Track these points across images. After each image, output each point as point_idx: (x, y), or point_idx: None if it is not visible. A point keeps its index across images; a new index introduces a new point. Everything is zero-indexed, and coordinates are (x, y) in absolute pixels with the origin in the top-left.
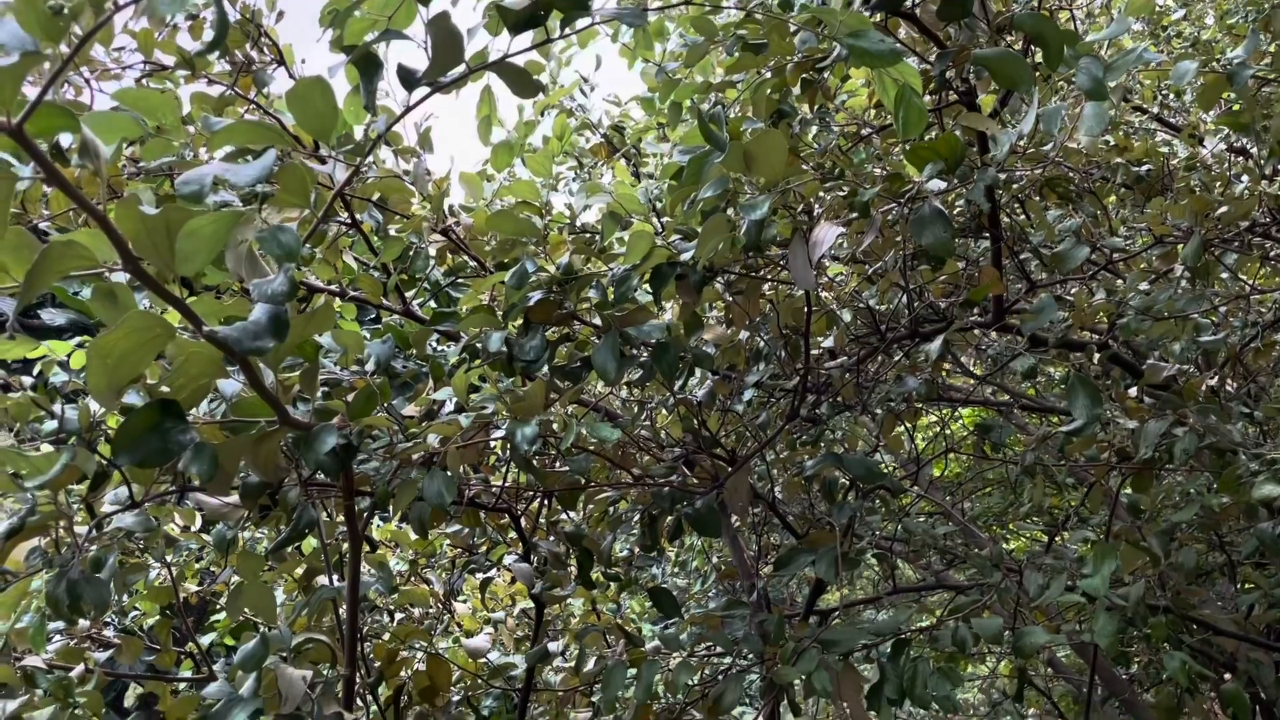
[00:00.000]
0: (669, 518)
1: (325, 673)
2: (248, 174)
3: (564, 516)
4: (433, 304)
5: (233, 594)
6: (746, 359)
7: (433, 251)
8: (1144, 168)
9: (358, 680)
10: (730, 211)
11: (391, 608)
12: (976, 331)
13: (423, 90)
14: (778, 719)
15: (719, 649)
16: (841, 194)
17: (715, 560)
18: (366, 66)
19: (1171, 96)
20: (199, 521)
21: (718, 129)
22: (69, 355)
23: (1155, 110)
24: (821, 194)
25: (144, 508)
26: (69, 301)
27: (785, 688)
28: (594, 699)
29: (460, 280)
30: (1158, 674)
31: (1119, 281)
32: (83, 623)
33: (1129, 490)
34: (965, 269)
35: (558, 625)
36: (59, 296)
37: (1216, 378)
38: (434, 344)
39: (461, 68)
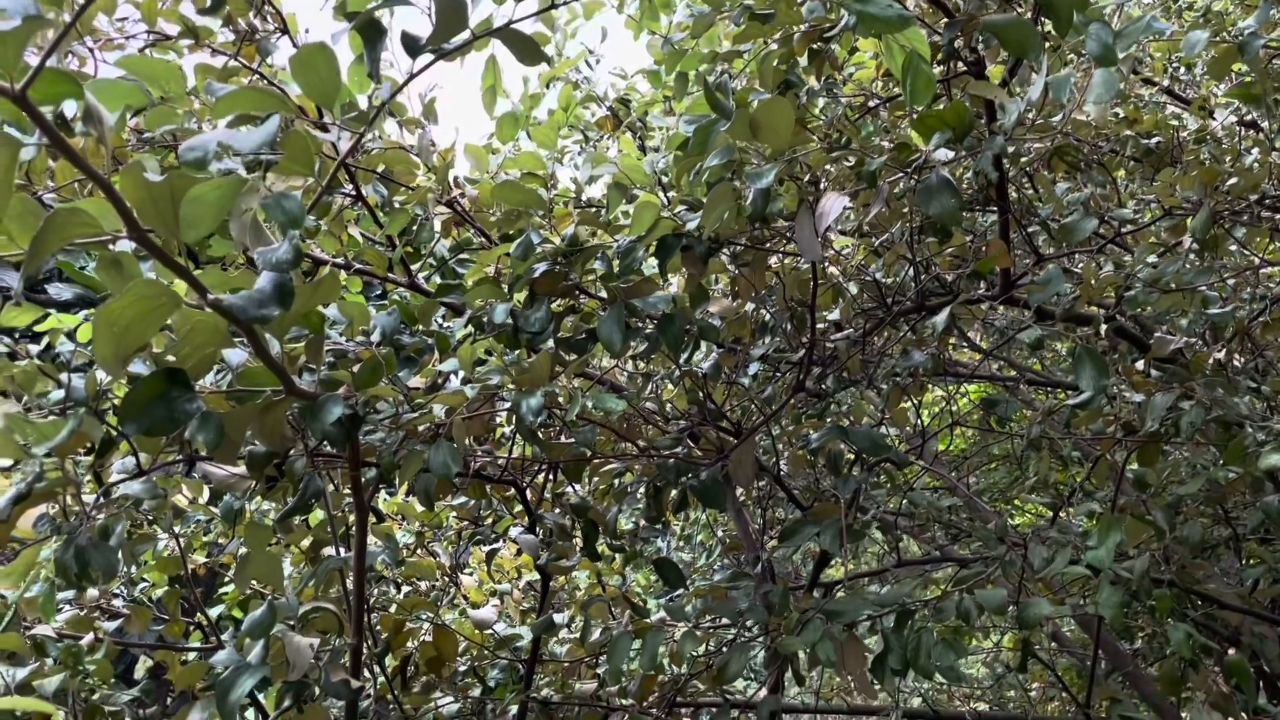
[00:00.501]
0: (674, 490)
1: (333, 642)
2: (252, 140)
3: (569, 489)
4: (438, 278)
5: (240, 563)
6: (752, 332)
7: (438, 225)
8: (1153, 140)
9: (365, 650)
10: (736, 182)
11: (398, 579)
12: (983, 305)
13: (427, 57)
14: (781, 689)
15: (724, 620)
16: (848, 164)
17: (720, 534)
18: (370, 33)
19: (1182, 70)
20: (206, 494)
21: (724, 97)
22: (76, 327)
23: (1165, 83)
24: (828, 166)
25: (151, 476)
26: (75, 276)
27: (789, 658)
28: (599, 670)
29: (465, 256)
30: (1161, 648)
31: (1127, 257)
32: (91, 593)
33: (1135, 464)
34: (972, 242)
35: (563, 597)
36: (66, 271)
37: (1224, 351)
38: (440, 319)
39: (466, 34)
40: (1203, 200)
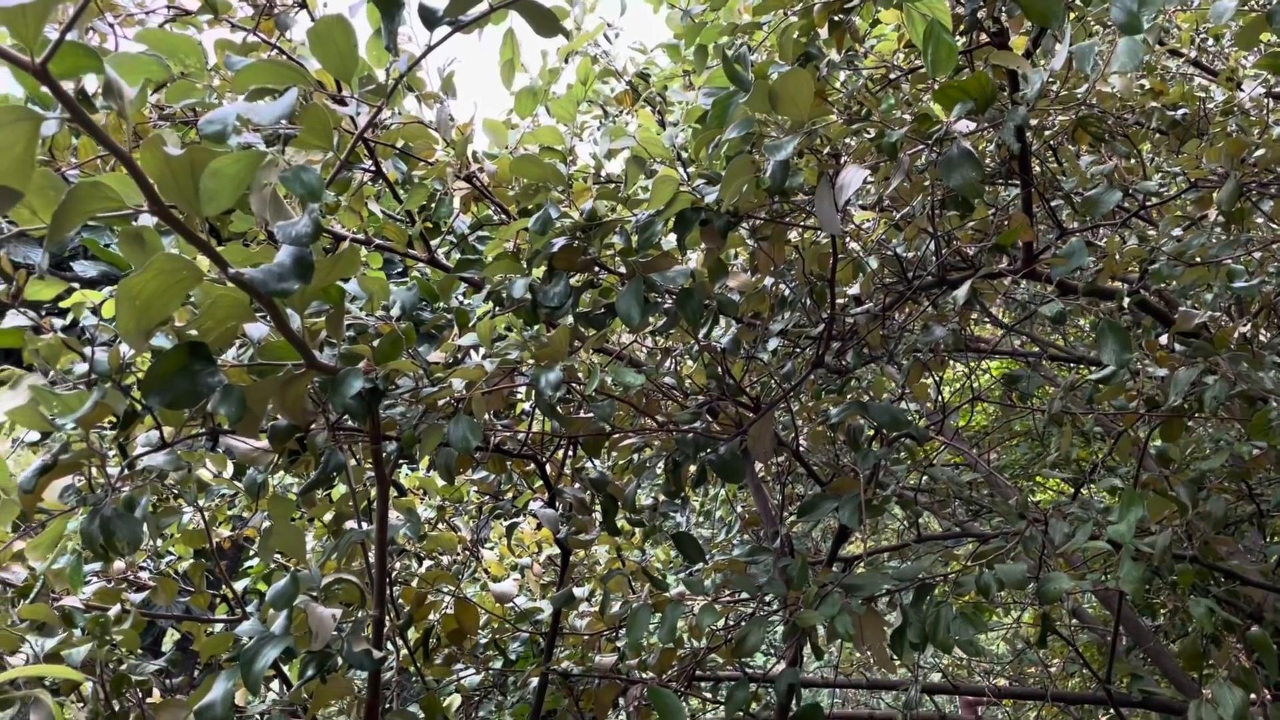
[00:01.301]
0: (693, 465)
1: (356, 614)
2: (271, 112)
3: (589, 464)
4: (456, 254)
5: (264, 535)
6: (771, 306)
7: (456, 202)
8: (1180, 112)
9: (387, 622)
10: (755, 155)
11: (420, 553)
12: (1005, 279)
13: (444, 30)
14: (800, 663)
15: (743, 595)
16: (868, 136)
17: (739, 509)
18: (387, 6)
19: (1210, 40)
20: (230, 469)
21: (743, 70)
22: (100, 302)
23: (1192, 54)
24: (848, 140)
25: (175, 449)
26: (99, 253)
27: (808, 632)
28: (618, 643)
29: (483, 234)
30: (1183, 625)
31: (1151, 230)
32: (118, 565)
33: (1158, 440)
34: (994, 216)
35: (582, 571)
36: (90, 248)
37: (1250, 325)
38: (459, 296)
39: (484, 5)
40: (1229, 172)
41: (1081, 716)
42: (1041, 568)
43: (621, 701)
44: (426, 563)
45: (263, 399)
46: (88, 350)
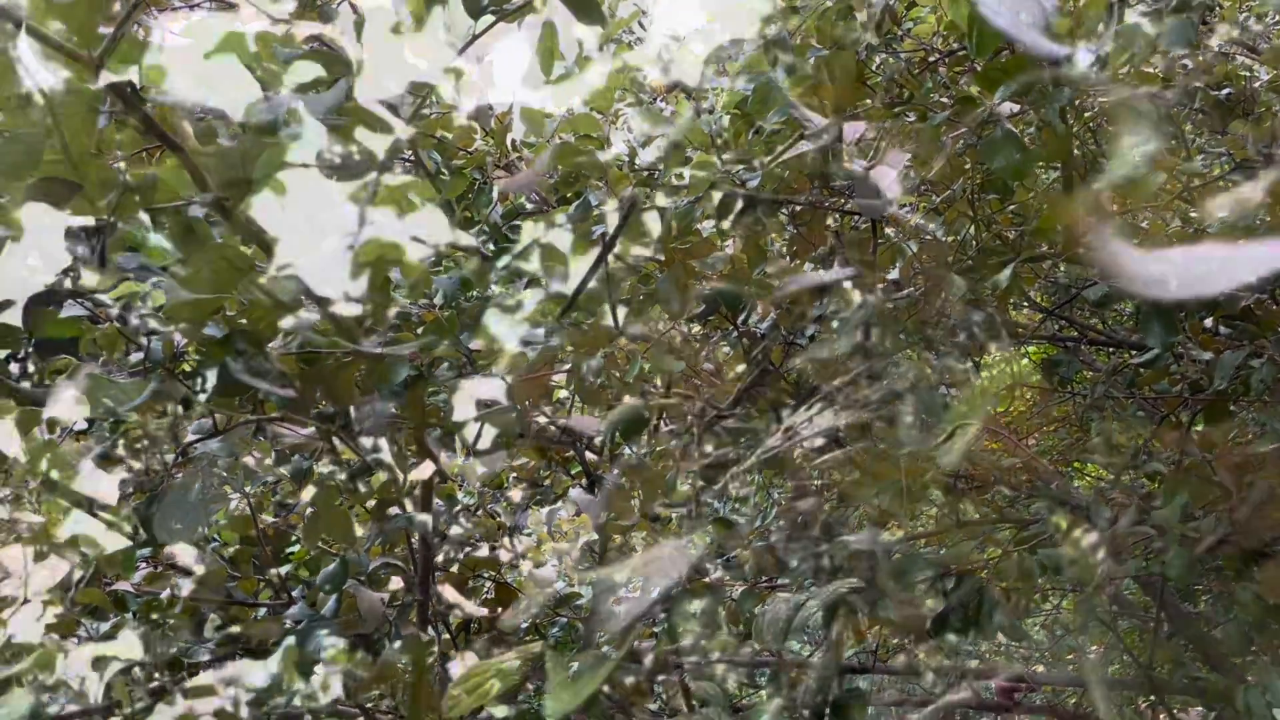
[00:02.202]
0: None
1: (404, 598)
2: (321, 103)
3: (627, 450)
4: (492, 246)
5: (310, 519)
6: (810, 292)
7: (495, 190)
8: (1224, 91)
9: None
10: (805, 144)
11: (460, 539)
12: (1046, 263)
13: (487, 19)
14: (840, 648)
15: (781, 580)
16: (909, 119)
17: (776, 495)
18: None
19: (1253, 19)
20: (272, 455)
21: (783, 52)
22: (146, 293)
23: (1235, 33)
24: (886, 123)
25: (228, 436)
26: (139, 246)
27: (848, 617)
28: (655, 629)
29: (516, 223)
30: (1226, 612)
31: (1194, 213)
32: (167, 550)
33: (1200, 425)
34: (1035, 199)
35: (619, 556)
36: (128, 240)
37: None
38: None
39: None
40: (1275, 153)
41: (1121, 703)
42: None
43: (659, 686)
44: (465, 548)
45: (311, 386)
46: (143, 340)
